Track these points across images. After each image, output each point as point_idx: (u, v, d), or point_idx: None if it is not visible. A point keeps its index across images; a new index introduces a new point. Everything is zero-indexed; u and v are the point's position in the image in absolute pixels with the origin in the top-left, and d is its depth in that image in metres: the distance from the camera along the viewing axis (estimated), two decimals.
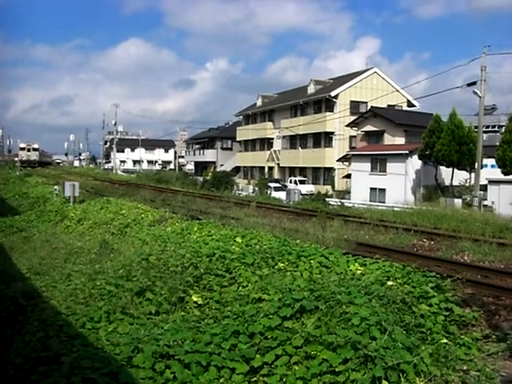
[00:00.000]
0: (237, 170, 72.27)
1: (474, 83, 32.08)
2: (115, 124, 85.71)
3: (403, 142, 44.84)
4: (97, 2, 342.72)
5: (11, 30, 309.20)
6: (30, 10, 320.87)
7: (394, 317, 6.20)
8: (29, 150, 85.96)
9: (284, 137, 62.00)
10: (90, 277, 9.28)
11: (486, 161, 35.97)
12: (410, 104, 56.05)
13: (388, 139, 46.18)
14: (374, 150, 44.10)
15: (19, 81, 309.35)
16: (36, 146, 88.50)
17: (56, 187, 31.89)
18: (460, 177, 37.54)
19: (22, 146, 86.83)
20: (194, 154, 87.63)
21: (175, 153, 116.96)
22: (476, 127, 35.08)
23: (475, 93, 31.91)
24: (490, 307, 8.25)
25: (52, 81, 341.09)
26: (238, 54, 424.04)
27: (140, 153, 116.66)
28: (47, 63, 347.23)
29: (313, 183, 54.35)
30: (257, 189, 46.74)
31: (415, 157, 39.23)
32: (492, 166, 36.48)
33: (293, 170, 59.97)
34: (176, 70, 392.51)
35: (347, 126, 50.69)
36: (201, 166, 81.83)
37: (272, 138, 65.29)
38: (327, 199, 36.38)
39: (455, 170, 36.99)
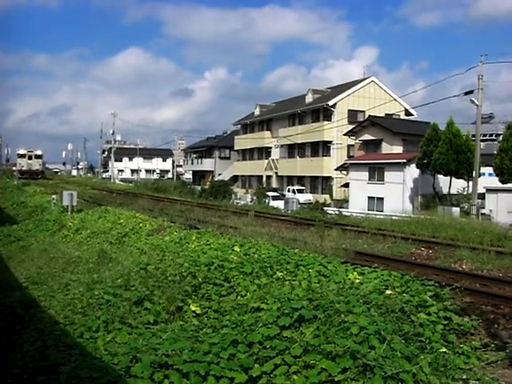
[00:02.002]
0: (235, 179, 72.32)
1: (471, 92, 32.24)
2: (113, 133, 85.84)
3: (401, 151, 44.96)
4: (96, 12, 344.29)
5: (11, 39, 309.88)
6: (30, 19, 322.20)
7: (392, 326, 6.19)
8: (30, 158, 68.84)
9: (282, 146, 62.12)
10: (88, 286, 9.25)
11: (483, 169, 36.05)
12: (407, 113, 56.21)
13: (386, 148, 46.29)
14: (372, 159, 44.19)
15: (18, 90, 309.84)
16: (39, 152, 71.05)
17: (54, 196, 31.89)
18: (458, 185, 37.61)
19: (22, 152, 69.34)
20: (192, 163, 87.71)
21: (173, 162, 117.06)
22: (473, 136, 35.18)
23: (472, 101, 32.05)
24: (488, 316, 8.24)
25: (51, 90, 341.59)
26: (237, 64, 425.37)
27: (138, 162, 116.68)
28: (46, 72, 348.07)
29: (311, 192, 54.42)
30: (255, 198, 46.71)
31: (413, 165, 39.33)
32: (490, 175, 36.57)
33: (291, 179, 60.02)
34: (174, 80, 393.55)
35: (345, 134, 50.80)
36: (199, 175, 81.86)
37: (270, 147, 65.40)
38: (325, 208, 36.39)
39: (453, 179, 37.07)
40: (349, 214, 30.25)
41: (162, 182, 63.15)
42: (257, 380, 5.18)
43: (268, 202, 41.74)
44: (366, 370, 4.89)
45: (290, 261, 10.33)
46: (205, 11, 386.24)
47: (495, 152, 35.58)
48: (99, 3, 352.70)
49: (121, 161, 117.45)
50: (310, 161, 56.36)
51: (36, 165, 69.73)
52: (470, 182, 34.83)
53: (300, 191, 53.26)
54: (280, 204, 38.02)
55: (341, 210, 33.08)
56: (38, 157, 70.78)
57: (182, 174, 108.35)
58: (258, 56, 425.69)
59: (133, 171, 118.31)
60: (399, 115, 54.55)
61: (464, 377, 5.68)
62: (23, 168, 67.97)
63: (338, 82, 67.14)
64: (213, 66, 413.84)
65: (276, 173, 63.50)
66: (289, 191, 53.74)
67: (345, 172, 48.33)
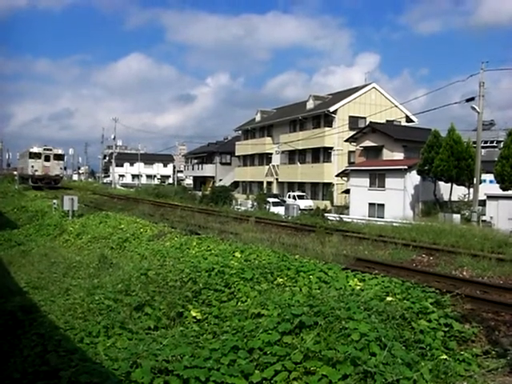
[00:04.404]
0: (235, 184, 72.30)
1: (472, 99, 32.26)
2: (114, 138, 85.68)
3: (402, 158, 44.96)
4: (99, 18, 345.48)
5: (13, 44, 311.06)
6: (32, 25, 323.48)
7: (393, 332, 6.19)
8: (47, 159, 51.74)
9: (283, 152, 62.15)
10: (88, 291, 9.25)
11: (484, 176, 36.01)
12: (408, 119, 56.29)
13: (387, 154, 46.30)
14: (373, 166, 44.18)
15: (19, 95, 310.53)
16: (60, 151, 54.23)
17: (55, 201, 31.87)
18: (459, 192, 37.58)
19: (35, 150, 52.23)
20: (193, 169, 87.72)
21: (174, 167, 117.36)
22: (474, 142, 35.20)
23: (473, 108, 32.05)
24: (489, 323, 8.23)
25: (52, 95, 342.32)
26: (239, 70, 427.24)
27: (139, 167, 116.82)
28: (48, 77, 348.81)
29: (311, 198, 54.37)
30: (255, 204, 46.69)
31: (414, 172, 39.30)
32: (490, 182, 36.53)
33: (291, 185, 60.00)
34: (176, 85, 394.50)
35: (346, 141, 50.82)
36: (199, 181, 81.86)
37: (271, 153, 65.45)
38: (326, 214, 36.38)
39: (454, 186, 37.03)
40: (349, 220, 30.23)
41: (163, 188, 63.05)
42: None
43: (269, 208, 41.73)
44: (366, 377, 4.89)
45: (290, 267, 10.33)
46: (207, 17, 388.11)
47: (496, 159, 35.56)
48: (102, 9, 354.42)
49: (122, 166, 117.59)
50: (311, 167, 56.37)
51: (55, 168, 52.52)
52: (471, 189, 34.81)
53: (301, 197, 53.22)
54: (281, 210, 37.97)
55: (341, 216, 33.04)
56: (58, 157, 53.24)
57: (182, 180, 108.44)
58: (260, 62, 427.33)
59: (134, 176, 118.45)
60: (400, 122, 54.59)
61: None
62: (37, 173, 51.04)
63: (339, 89, 67.19)
64: (215, 72, 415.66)
65: (277, 179, 63.51)
66: (289, 197, 53.69)
67: (345, 178, 48.30)
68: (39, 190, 48.06)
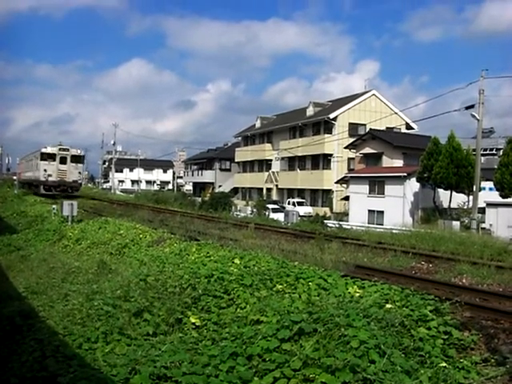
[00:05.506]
0: (235, 191, 72.34)
1: (472, 106, 32.31)
2: (114, 144, 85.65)
3: (401, 165, 45.02)
4: (100, 24, 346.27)
5: (14, 49, 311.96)
6: (33, 30, 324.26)
7: (392, 340, 6.17)
8: (63, 161, 43.23)
9: (282, 158, 62.25)
10: (87, 297, 9.24)
11: (484, 184, 36.07)
12: (408, 126, 56.41)
13: (386, 161, 46.36)
14: (373, 173, 44.24)
15: (20, 100, 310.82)
16: (79, 151, 45.61)
17: (54, 206, 31.80)
18: (458, 199, 37.60)
19: (49, 150, 43.48)
20: (193, 175, 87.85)
21: (174, 173, 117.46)
22: (474, 150, 35.25)
23: (473, 116, 32.09)
24: (488, 330, 8.21)
25: (52, 100, 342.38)
26: (239, 76, 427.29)
27: (138, 173, 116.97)
28: (48, 83, 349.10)
29: (311, 205, 54.42)
30: (255, 210, 46.70)
31: (413, 179, 39.35)
32: (490, 189, 36.58)
33: (291, 192, 60.04)
34: (177, 91, 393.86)
35: (346, 148, 50.91)
36: (199, 187, 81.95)
37: (270, 160, 65.54)
38: (325, 221, 36.37)
39: (453, 193, 37.07)
40: (349, 227, 30.22)
41: (163, 194, 63.02)
42: None
43: (268, 215, 41.73)
44: None
45: (289, 273, 10.32)
46: (208, 24, 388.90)
47: (496, 166, 35.63)
48: (103, 15, 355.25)
49: (121, 171, 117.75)
50: (311, 174, 56.44)
51: (73, 173, 43.90)
52: (471, 197, 34.83)
53: (300, 204, 53.26)
54: (280, 216, 37.92)
55: (341, 223, 33.04)
56: (76, 159, 44.52)
57: (182, 186, 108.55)
58: (261, 69, 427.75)
59: (133, 182, 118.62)
60: (400, 129, 54.71)
61: None
62: (50, 178, 42.58)
63: (339, 96, 67.35)
64: (215, 79, 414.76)
65: (276, 185, 63.56)
66: (289, 204, 53.73)
67: (345, 185, 48.36)
68: (52, 198, 40.20)
